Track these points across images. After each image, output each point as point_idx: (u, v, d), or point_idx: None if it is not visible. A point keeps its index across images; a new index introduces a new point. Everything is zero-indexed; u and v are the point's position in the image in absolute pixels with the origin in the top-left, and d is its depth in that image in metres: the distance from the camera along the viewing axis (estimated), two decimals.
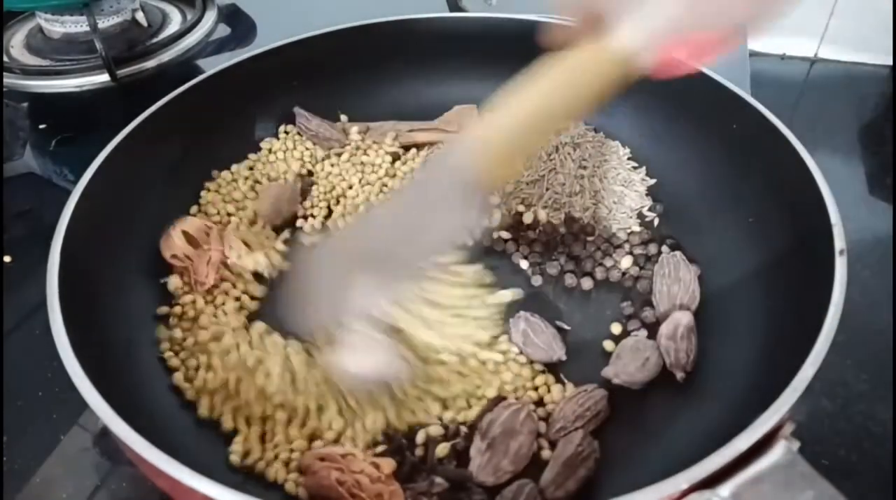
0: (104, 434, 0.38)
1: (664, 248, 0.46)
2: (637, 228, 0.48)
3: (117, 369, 0.36)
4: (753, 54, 0.67)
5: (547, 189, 0.49)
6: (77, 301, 0.35)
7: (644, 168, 0.52)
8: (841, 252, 0.34)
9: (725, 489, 0.26)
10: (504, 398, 0.38)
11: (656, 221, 0.48)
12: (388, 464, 0.34)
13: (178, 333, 0.41)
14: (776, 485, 0.26)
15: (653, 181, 0.51)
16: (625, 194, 0.50)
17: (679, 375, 0.38)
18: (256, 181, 0.51)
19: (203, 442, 0.36)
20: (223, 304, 0.43)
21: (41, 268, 0.35)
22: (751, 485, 0.26)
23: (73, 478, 0.37)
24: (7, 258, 0.49)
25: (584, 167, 0.51)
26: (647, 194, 0.50)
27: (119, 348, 0.38)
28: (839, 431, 0.39)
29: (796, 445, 0.27)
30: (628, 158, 0.52)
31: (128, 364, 0.38)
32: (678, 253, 0.44)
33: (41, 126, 0.62)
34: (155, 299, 0.43)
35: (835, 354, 0.30)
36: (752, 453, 0.27)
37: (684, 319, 0.40)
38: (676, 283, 0.42)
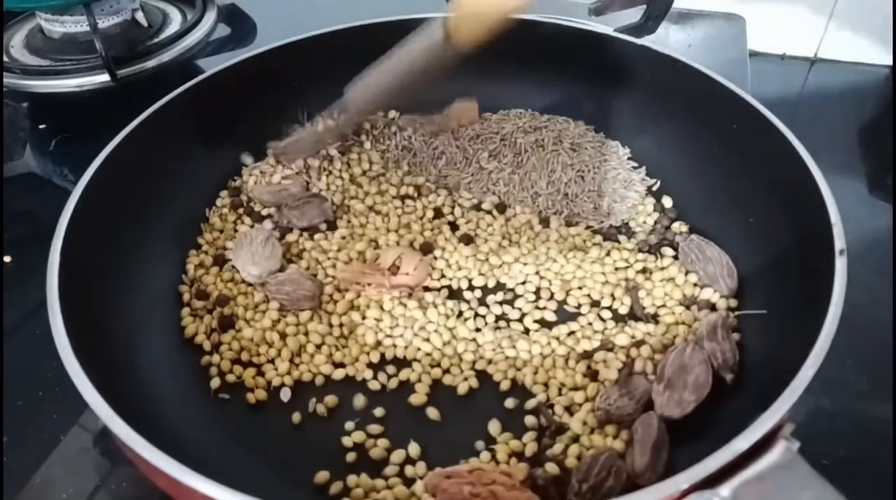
0: (104, 434, 0.38)
1: (678, 238, 0.46)
2: (637, 228, 0.48)
3: (117, 369, 0.36)
4: (753, 54, 0.67)
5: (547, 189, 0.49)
6: (77, 301, 0.35)
7: (644, 168, 0.52)
8: (841, 252, 0.34)
9: (725, 489, 0.26)
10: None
11: (655, 221, 0.48)
12: (521, 470, 0.33)
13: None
14: (776, 485, 0.26)
15: (653, 181, 0.51)
16: (625, 195, 0.50)
17: (728, 376, 0.36)
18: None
19: (204, 441, 0.36)
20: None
21: (41, 268, 0.35)
22: (751, 485, 0.26)
23: (73, 478, 0.37)
24: (7, 258, 0.49)
25: (585, 168, 0.51)
26: (646, 194, 0.50)
27: (119, 347, 0.38)
28: (839, 431, 0.38)
29: (796, 445, 0.27)
30: (628, 158, 0.52)
31: (128, 364, 0.38)
32: (694, 236, 0.44)
33: (41, 126, 0.62)
34: (155, 298, 0.43)
35: (835, 354, 0.30)
36: (752, 453, 0.27)
37: (713, 318, 0.39)
38: (709, 262, 0.42)
